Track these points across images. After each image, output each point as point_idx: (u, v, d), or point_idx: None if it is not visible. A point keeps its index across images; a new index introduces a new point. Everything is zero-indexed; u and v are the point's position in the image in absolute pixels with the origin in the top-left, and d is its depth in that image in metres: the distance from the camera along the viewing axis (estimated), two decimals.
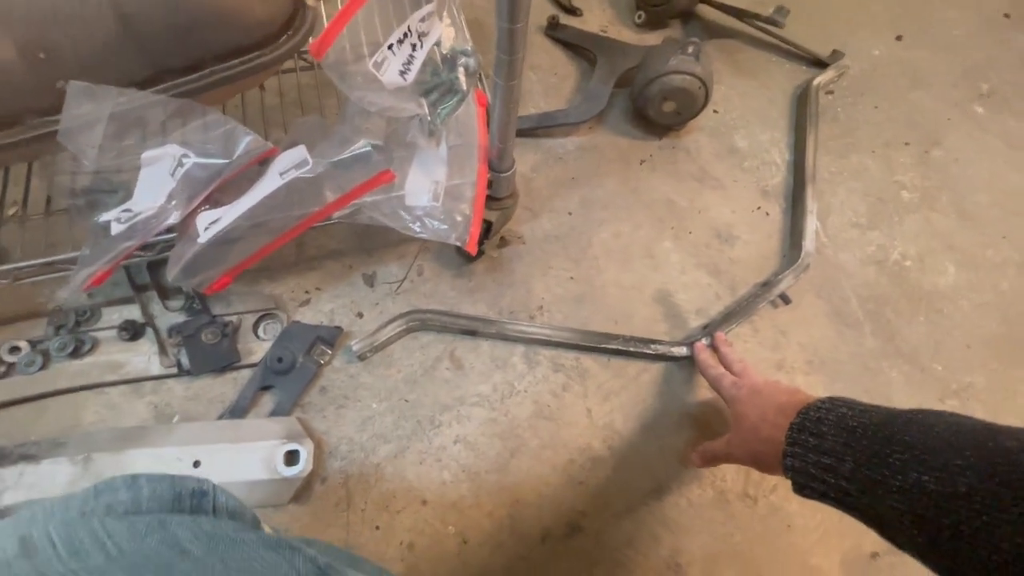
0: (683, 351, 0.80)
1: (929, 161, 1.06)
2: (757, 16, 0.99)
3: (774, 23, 0.93)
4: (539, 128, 0.97)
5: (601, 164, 0.98)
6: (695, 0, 1.08)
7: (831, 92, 1.11)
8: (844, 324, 0.89)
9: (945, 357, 0.87)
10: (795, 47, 1.12)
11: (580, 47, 1.06)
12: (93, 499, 0.32)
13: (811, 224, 0.92)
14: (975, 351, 0.88)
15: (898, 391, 0.84)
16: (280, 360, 0.73)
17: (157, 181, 0.58)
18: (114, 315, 0.77)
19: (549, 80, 1.06)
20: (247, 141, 0.58)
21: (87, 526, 0.28)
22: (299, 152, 0.58)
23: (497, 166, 0.70)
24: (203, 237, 0.58)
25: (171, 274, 0.59)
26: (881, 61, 1.17)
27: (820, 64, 1.13)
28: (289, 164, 0.58)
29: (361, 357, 0.78)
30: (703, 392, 0.81)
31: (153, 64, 0.53)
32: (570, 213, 0.93)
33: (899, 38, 1.20)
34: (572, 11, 1.12)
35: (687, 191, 0.98)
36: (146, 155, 0.57)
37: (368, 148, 0.59)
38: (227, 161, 0.58)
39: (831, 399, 0.53)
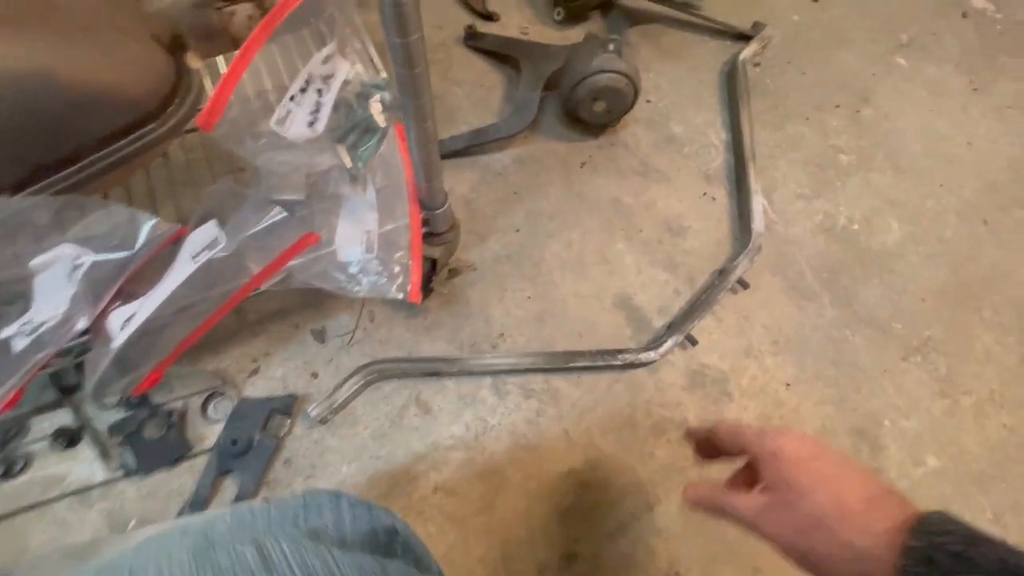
0: (651, 356, 0.79)
1: (861, 120, 1.07)
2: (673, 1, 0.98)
3: (691, 6, 0.91)
4: (472, 147, 0.94)
5: (541, 173, 0.96)
6: None
7: (758, 64, 1.11)
8: (803, 298, 0.89)
9: (903, 314, 0.89)
10: (717, 24, 1.11)
11: (503, 54, 1.03)
12: (303, 514, 0.35)
13: (757, 204, 0.92)
14: (929, 303, 0.89)
15: (864, 356, 0.85)
16: (235, 442, 0.69)
17: (56, 286, 0.53)
18: (44, 423, 0.71)
19: (476, 93, 1.02)
20: (148, 228, 0.53)
21: (319, 554, 0.30)
22: (210, 230, 0.54)
23: (429, 204, 0.67)
24: (118, 339, 0.53)
25: (89, 387, 0.54)
26: (802, 26, 1.17)
27: (744, 38, 1.12)
28: (200, 245, 0.53)
29: (322, 421, 0.74)
30: (674, 393, 0.80)
31: (23, 164, 0.47)
32: (518, 230, 0.91)
33: (815, 0, 1.21)
34: (489, 16, 1.09)
35: (632, 188, 0.96)
36: (35, 262, 0.51)
37: (283, 215, 0.55)
38: (130, 253, 0.53)
39: (950, 521, 0.35)
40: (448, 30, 1.07)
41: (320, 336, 0.80)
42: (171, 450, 0.68)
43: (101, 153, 0.51)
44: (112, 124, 0.50)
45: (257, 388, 0.77)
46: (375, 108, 0.72)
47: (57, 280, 0.53)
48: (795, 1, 1.20)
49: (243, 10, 0.57)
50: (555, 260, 0.89)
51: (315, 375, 0.78)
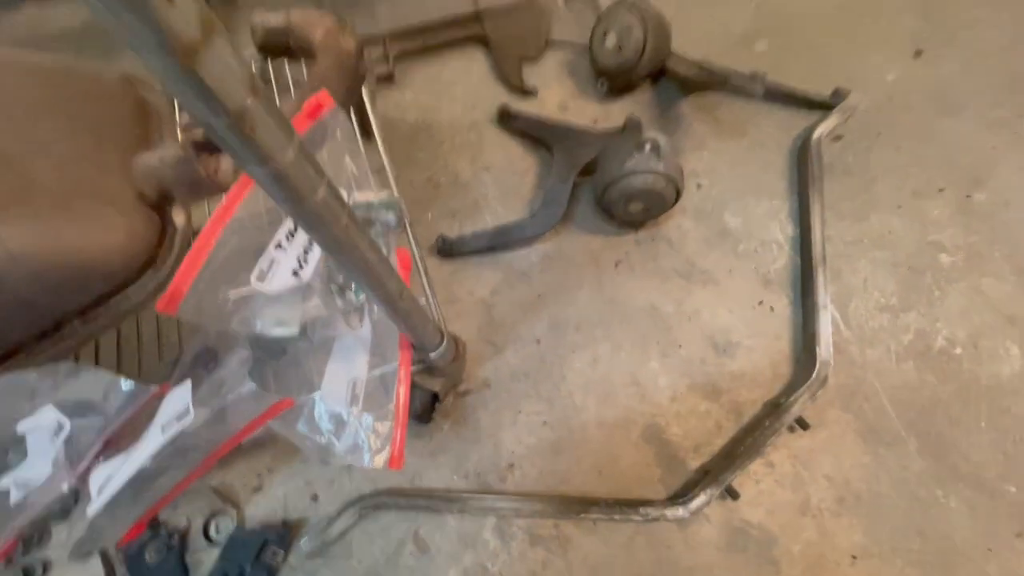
0: (679, 513, 0.68)
1: (972, 209, 0.87)
2: (727, 81, 0.84)
3: (748, 93, 0.78)
4: (495, 247, 0.87)
5: (570, 273, 0.87)
6: (660, 62, 0.94)
7: (839, 138, 0.95)
8: (881, 443, 0.73)
9: (1019, 472, 0.70)
10: (788, 90, 0.96)
11: (537, 138, 0.95)
12: None
13: (825, 322, 0.77)
14: None
15: (962, 526, 0.68)
16: (226, 575, 0.67)
17: (43, 447, 0.53)
18: (64, 532, 0.73)
19: (507, 181, 0.95)
20: (127, 393, 0.52)
21: None
22: (181, 397, 0.52)
23: (423, 348, 0.61)
24: (96, 502, 0.53)
25: (69, 547, 0.54)
26: (898, 87, 0.99)
27: (822, 107, 0.96)
28: (171, 415, 0.51)
29: (315, 555, 0.71)
30: (707, 554, 0.68)
31: (2, 343, 0.48)
32: (538, 341, 0.83)
33: (918, 54, 1.01)
34: (526, 93, 1.02)
35: (673, 292, 0.85)
36: (22, 425, 0.52)
37: (253, 387, 0.52)
38: (106, 418, 0.52)
39: None
40: (481, 109, 1.02)
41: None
42: None
43: (80, 322, 0.50)
44: (90, 296, 0.49)
45: (259, 507, 0.75)
46: (379, 230, 0.67)
47: (43, 442, 0.53)
48: (892, 55, 1.01)
49: (228, 160, 0.55)
50: (578, 379, 0.80)
51: (315, 497, 0.75)
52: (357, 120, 0.82)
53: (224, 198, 0.53)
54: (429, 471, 0.76)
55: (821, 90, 0.98)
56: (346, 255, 0.41)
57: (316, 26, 0.64)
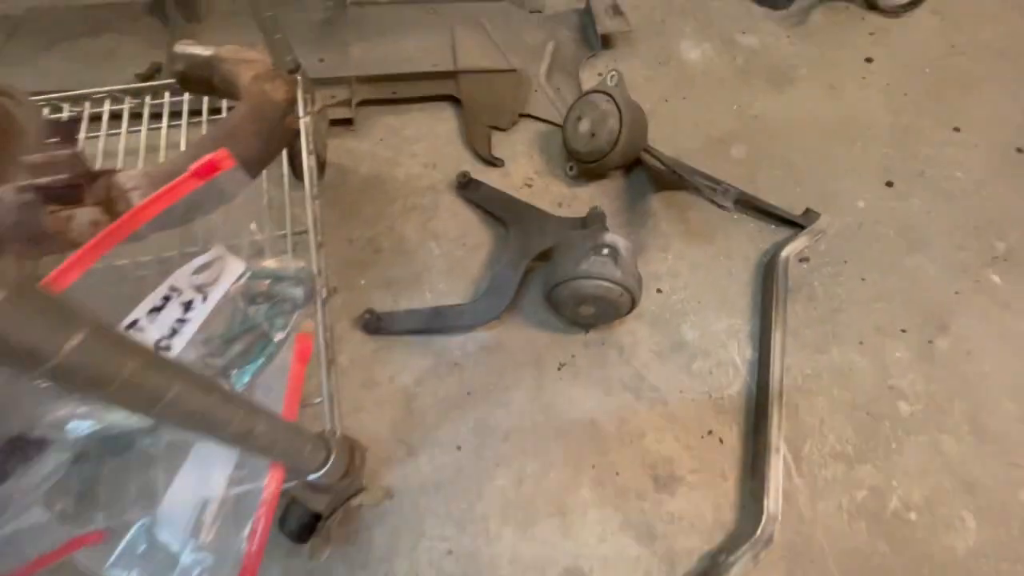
0: None
1: (934, 355, 0.83)
2: (697, 188, 0.79)
3: (717, 205, 0.73)
4: (427, 331, 0.77)
5: (508, 370, 0.78)
6: (634, 155, 0.89)
7: (806, 260, 0.91)
8: None
9: None
10: (760, 203, 0.93)
11: (494, 213, 0.88)
12: None
13: (776, 468, 0.70)
14: None
15: None
16: None
17: None
18: None
19: (455, 254, 0.87)
20: None
21: None
22: None
23: (301, 473, 0.50)
24: None
25: None
26: (868, 215, 0.96)
27: (792, 224, 0.93)
28: None
29: None
30: None
31: None
32: (459, 447, 0.72)
33: (889, 184, 1.00)
34: (492, 163, 0.95)
35: (617, 409, 0.76)
36: None
37: (42, 520, 0.40)
38: None
39: None
40: (442, 171, 0.94)
41: None
42: None
43: None
44: None
45: None
46: (281, 309, 0.57)
47: None
48: (863, 181, 1.00)
49: (85, 214, 0.44)
50: (497, 500, 0.69)
51: None
52: (290, 168, 0.72)
53: (71, 256, 0.42)
54: None
55: (793, 204, 0.95)
56: (172, 417, 0.30)
57: (246, 66, 0.55)
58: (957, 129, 1.09)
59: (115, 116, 0.72)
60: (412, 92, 1.00)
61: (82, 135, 0.67)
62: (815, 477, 0.73)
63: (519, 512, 0.68)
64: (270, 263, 0.58)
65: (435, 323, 0.77)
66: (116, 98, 0.75)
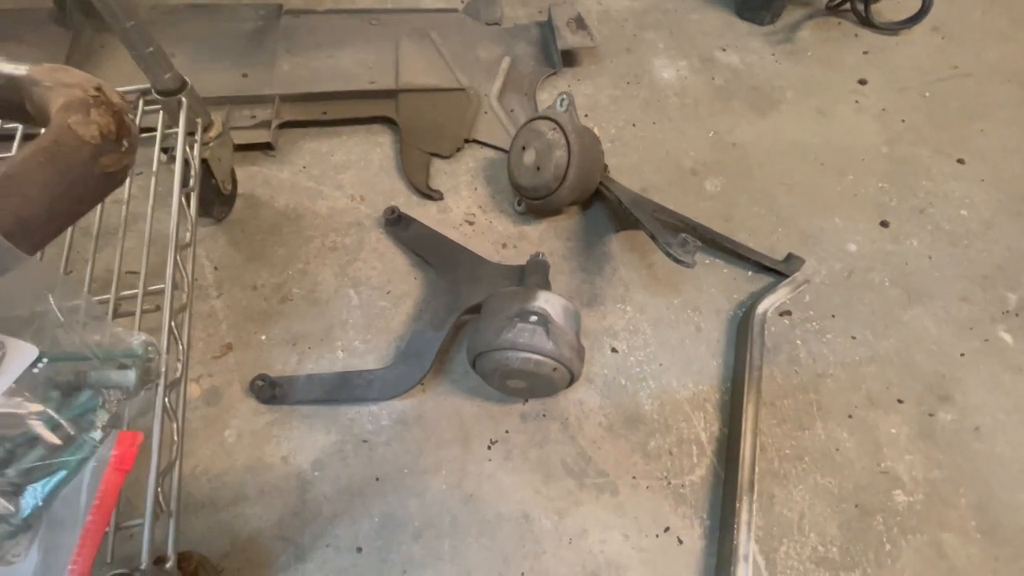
0: None
1: (936, 430, 0.71)
2: (655, 237, 0.66)
3: (679, 261, 0.61)
4: (329, 402, 0.65)
5: (427, 450, 0.65)
6: (587, 191, 0.78)
7: (787, 313, 0.79)
8: None
9: None
10: (735, 247, 0.80)
11: (424, 256, 0.76)
12: None
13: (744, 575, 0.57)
14: None
15: None
16: None
17: None
18: None
19: (376, 305, 0.75)
20: None
21: None
22: None
23: None
24: None
25: None
26: (860, 261, 0.84)
27: (772, 271, 0.81)
28: None
29: None
30: None
31: None
32: (359, 549, 0.59)
33: (885, 224, 0.88)
34: (430, 195, 0.83)
35: (556, 498, 0.63)
36: None
37: None
38: None
39: None
40: (371, 204, 0.82)
41: None
42: None
43: None
44: None
45: None
46: (74, 408, 0.45)
47: None
48: (855, 221, 0.88)
49: None
50: None
51: None
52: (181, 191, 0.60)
53: None
54: None
55: (774, 247, 0.83)
56: None
57: (59, 91, 0.44)
58: (961, 161, 0.97)
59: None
60: (345, 113, 0.89)
61: None
62: None
63: None
64: (91, 338, 0.46)
65: (339, 393, 0.64)
66: None
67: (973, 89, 1.07)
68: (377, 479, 0.63)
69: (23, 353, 0.40)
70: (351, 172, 0.86)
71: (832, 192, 0.91)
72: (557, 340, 0.56)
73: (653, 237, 0.65)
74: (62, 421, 0.42)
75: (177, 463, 0.48)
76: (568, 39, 0.96)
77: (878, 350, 0.76)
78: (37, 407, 0.41)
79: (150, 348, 0.48)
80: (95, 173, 0.41)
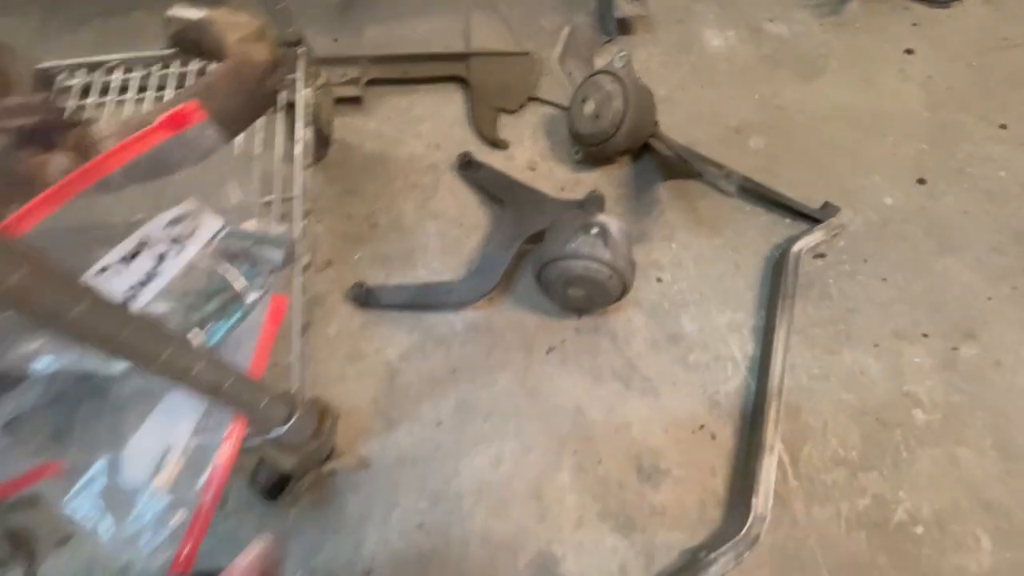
0: None
1: (958, 362, 0.77)
2: (699, 172, 0.76)
3: (720, 190, 0.70)
4: (415, 307, 0.77)
5: (495, 352, 0.77)
6: (640, 139, 0.87)
7: (822, 256, 0.86)
8: None
9: None
10: (774, 195, 0.88)
11: (492, 193, 0.87)
12: None
13: (769, 468, 0.66)
14: None
15: None
16: None
17: None
18: None
19: (452, 234, 0.86)
20: None
21: None
22: None
23: (261, 427, 0.50)
24: None
25: None
26: (895, 213, 0.90)
27: (808, 218, 0.88)
28: None
29: None
30: None
31: None
32: (439, 424, 0.71)
33: (922, 181, 0.94)
34: (496, 144, 0.94)
35: (606, 396, 0.74)
36: None
37: (4, 445, 0.41)
38: None
39: None
40: (444, 152, 0.94)
41: None
42: None
43: None
44: None
45: (59, 564, 0.62)
46: (260, 271, 0.58)
47: None
48: (893, 178, 0.94)
49: (60, 160, 0.46)
50: (473, 478, 0.68)
51: (124, 572, 0.62)
52: (285, 136, 0.73)
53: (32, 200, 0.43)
54: None
55: (812, 199, 0.90)
56: (126, 358, 0.31)
57: (233, 28, 0.56)
58: (1004, 126, 1.00)
59: (125, 87, 0.75)
60: (422, 73, 1.01)
61: (92, 100, 0.70)
62: (813, 481, 0.68)
63: (495, 492, 0.67)
64: (251, 224, 0.59)
65: (423, 299, 0.76)
66: (128, 68, 0.78)
67: (1021, 60, 1.10)
68: (453, 371, 0.75)
69: (212, 223, 0.53)
70: (428, 124, 0.98)
71: (872, 152, 0.97)
72: (614, 251, 0.66)
73: (699, 174, 0.74)
74: (235, 280, 0.55)
75: (305, 323, 0.61)
76: (624, 7, 1.05)
77: (908, 291, 0.82)
78: (224, 265, 0.54)
79: (288, 237, 0.61)
80: (263, 89, 0.54)
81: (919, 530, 0.66)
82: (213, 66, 0.72)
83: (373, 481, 0.67)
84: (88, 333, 0.27)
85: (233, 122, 0.51)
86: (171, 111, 0.43)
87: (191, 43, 0.57)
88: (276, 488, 0.60)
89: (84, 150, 0.44)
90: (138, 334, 0.30)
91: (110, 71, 0.74)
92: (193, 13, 0.56)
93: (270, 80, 0.53)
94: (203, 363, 0.36)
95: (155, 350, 0.31)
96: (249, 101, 0.52)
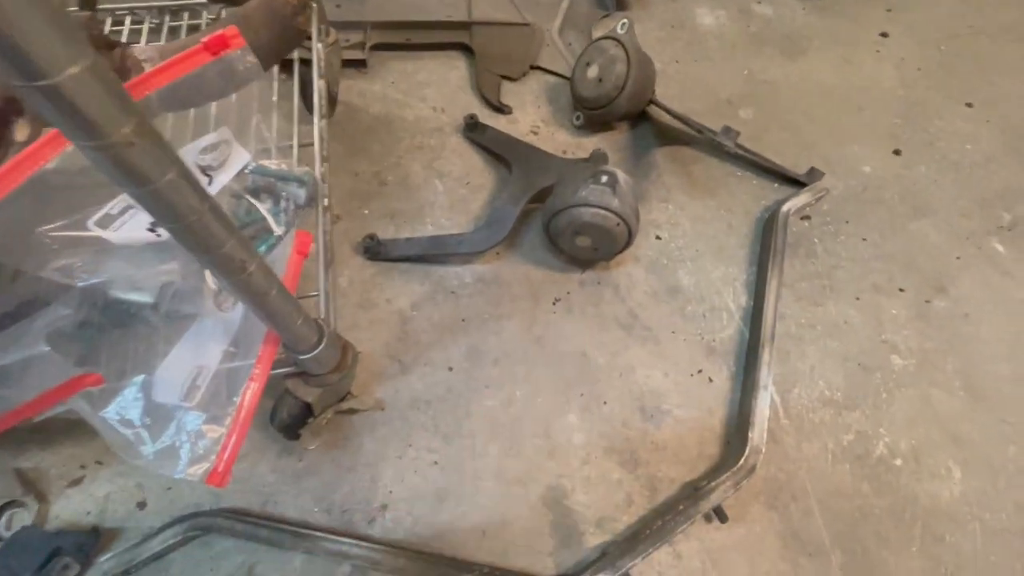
0: None
1: (931, 314, 0.83)
2: (702, 132, 0.80)
3: (720, 145, 0.74)
4: (426, 256, 0.79)
5: (503, 302, 0.79)
6: (640, 104, 0.90)
7: (807, 218, 0.91)
8: (803, 552, 0.65)
9: None
10: (763, 161, 0.93)
11: (498, 154, 0.89)
12: None
13: (763, 404, 0.70)
14: None
15: None
16: None
17: None
18: None
19: (458, 192, 0.88)
20: None
21: None
22: None
23: (293, 348, 0.52)
24: None
25: None
26: (873, 180, 0.97)
27: (794, 183, 0.93)
28: None
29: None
30: None
31: None
32: (451, 368, 0.74)
33: (897, 152, 1.00)
34: (499, 109, 0.96)
35: (609, 343, 0.77)
36: None
37: (45, 350, 0.42)
38: None
39: None
40: (449, 115, 0.96)
41: None
42: None
43: None
44: None
45: (70, 504, 0.62)
46: (283, 205, 0.59)
47: None
48: (870, 148, 1.00)
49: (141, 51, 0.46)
50: (484, 419, 0.70)
51: (143, 505, 0.63)
52: (300, 89, 0.74)
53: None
54: (287, 496, 0.64)
55: (798, 165, 0.95)
56: (194, 241, 0.32)
57: None
58: (970, 105, 1.08)
59: (154, 32, 0.75)
60: (426, 39, 1.02)
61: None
62: (802, 419, 0.73)
63: (506, 431, 0.70)
64: (276, 163, 0.60)
65: (434, 249, 0.78)
66: (138, 18, 0.78)
67: (986, 46, 1.18)
68: (463, 320, 0.77)
69: (241, 155, 0.55)
70: (432, 88, 0.99)
71: (851, 124, 1.03)
72: (622, 200, 0.69)
73: (699, 132, 0.78)
74: (262, 214, 0.56)
75: (329, 260, 0.63)
76: None
77: (885, 250, 0.89)
78: (247, 200, 0.56)
79: (311, 176, 0.62)
80: (294, 26, 0.55)
81: (898, 462, 0.71)
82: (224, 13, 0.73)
83: (388, 422, 0.69)
84: (171, 202, 0.29)
85: (267, 54, 0.52)
86: (213, 34, 0.45)
87: None
88: (296, 423, 0.61)
89: (124, 73, 0.45)
90: (212, 215, 0.31)
91: (118, 22, 0.73)
92: None
93: (301, 17, 0.55)
94: (256, 263, 0.38)
95: (223, 236, 0.33)
96: (282, 34, 0.53)
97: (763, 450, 0.68)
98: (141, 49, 0.47)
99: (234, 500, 0.63)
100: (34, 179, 0.40)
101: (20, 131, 0.45)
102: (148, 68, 0.47)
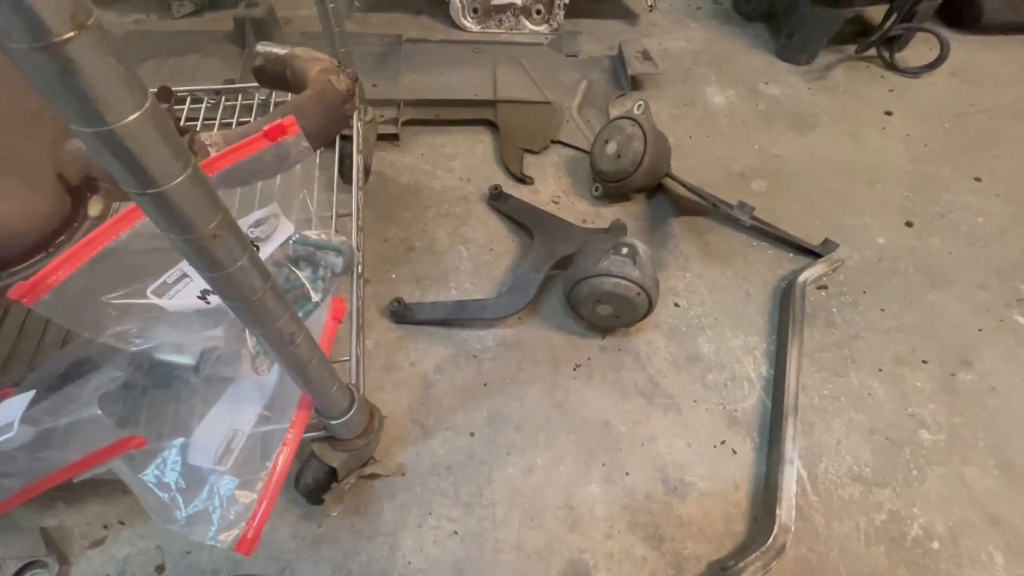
0: None
1: (957, 388, 0.82)
2: (717, 206, 0.84)
3: (736, 220, 0.78)
4: (450, 321, 0.81)
5: (524, 367, 0.80)
6: (656, 178, 0.95)
7: (824, 287, 0.92)
8: None
9: None
10: (778, 231, 0.96)
11: (521, 222, 0.93)
12: None
13: (790, 479, 0.69)
14: None
15: None
16: None
17: None
18: None
19: (481, 257, 0.92)
20: None
21: None
22: (11, 409, 0.43)
23: (326, 413, 0.53)
24: None
25: None
26: (888, 251, 0.98)
27: (810, 253, 0.95)
28: None
29: None
30: None
31: None
32: (472, 434, 0.74)
33: (909, 224, 1.03)
34: (522, 180, 1.02)
35: (630, 411, 0.77)
36: None
37: (96, 413, 0.44)
38: None
39: None
40: (475, 185, 1.01)
41: None
42: None
43: None
44: None
45: (90, 566, 0.62)
46: (321, 273, 0.62)
47: None
48: (883, 220, 1.03)
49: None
50: (505, 488, 0.70)
51: (161, 569, 0.62)
52: (339, 163, 0.80)
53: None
54: (305, 564, 0.63)
55: (812, 236, 0.97)
56: (254, 317, 0.35)
57: (315, 62, 0.64)
58: (978, 179, 1.11)
59: (192, 117, 0.83)
60: (453, 116, 1.10)
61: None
62: (831, 496, 0.71)
63: (527, 501, 0.69)
64: (316, 233, 0.64)
65: (458, 314, 0.80)
66: (197, 98, 0.86)
67: (988, 123, 1.23)
68: (485, 384, 0.78)
69: (287, 227, 0.58)
70: (459, 160, 1.06)
71: (862, 197, 1.07)
72: (642, 270, 0.72)
73: (714, 206, 0.81)
74: (302, 282, 0.59)
75: (361, 325, 0.65)
76: (636, 66, 1.17)
77: (904, 321, 0.89)
78: (290, 269, 0.59)
79: (348, 246, 0.66)
80: (341, 113, 0.61)
81: (935, 545, 0.68)
82: (285, 98, 0.80)
83: (408, 488, 0.69)
84: (239, 284, 0.31)
85: (317, 139, 0.57)
86: (273, 123, 0.50)
87: (273, 74, 0.65)
88: (320, 488, 0.61)
89: (192, 155, 0.50)
90: (271, 294, 0.34)
91: (182, 101, 0.81)
92: (278, 49, 0.64)
93: (348, 105, 0.60)
94: (303, 336, 0.40)
95: (279, 312, 0.35)
96: (330, 122, 0.59)
97: (792, 528, 0.66)
98: (207, 135, 0.52)
99: (253, 567, 0.63)
100: (104, 252, 0.44)
101: (94, 207, 0.50)
102: (212, 152, 0.51)
